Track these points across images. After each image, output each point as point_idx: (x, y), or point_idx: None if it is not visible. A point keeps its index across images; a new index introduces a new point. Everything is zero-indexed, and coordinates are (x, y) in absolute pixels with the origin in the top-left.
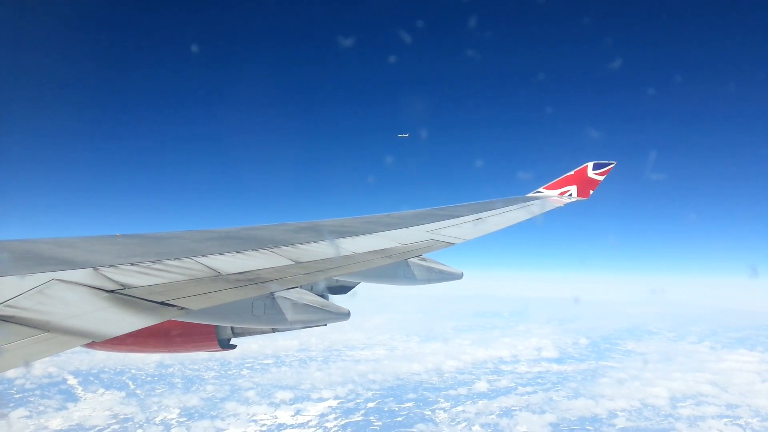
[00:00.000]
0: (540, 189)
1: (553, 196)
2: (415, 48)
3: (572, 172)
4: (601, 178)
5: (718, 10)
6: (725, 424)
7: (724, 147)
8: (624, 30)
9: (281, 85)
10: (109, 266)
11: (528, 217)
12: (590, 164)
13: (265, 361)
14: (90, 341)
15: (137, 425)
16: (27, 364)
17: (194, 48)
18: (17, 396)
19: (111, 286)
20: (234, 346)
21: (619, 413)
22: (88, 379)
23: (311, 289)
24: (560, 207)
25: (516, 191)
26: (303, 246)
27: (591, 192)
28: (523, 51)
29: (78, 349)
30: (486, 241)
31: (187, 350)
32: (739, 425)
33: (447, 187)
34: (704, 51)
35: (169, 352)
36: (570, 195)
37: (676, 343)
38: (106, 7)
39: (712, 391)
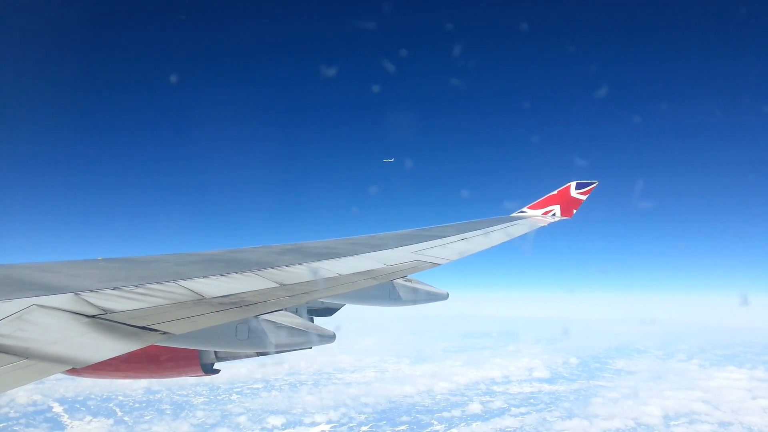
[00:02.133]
0: (524, 209)
1: (537, 216)
2: (400, 72)
3: (555, 192)
4: (584, 197)
5: (708, 36)
6: None
7: (708, 165)
8: (609, 53)
9: (265, 107)
10: (91, 291)
11: (512, 236)
12: (573, 184)
13: (255, 386)
14: (70, 368)
15: None
16: (6, 391)
17: (175, 75)
18: (1, 425)
19: (92, 311)
20: (217, 371)
21: None
22: (75, 406)
23: (296, 312)
24: (544, 226)
25: (500, 211)
26: (288, 268)
27: (574, 211)
28: (509, 71)
29: (62, 376)
30: (471, 261)
31: (169, 376)
32: None
33: (432, 209)
34: (687, 73)
35: (152, 377)
36: (554, 214)
37: (665, 361)
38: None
39: (704, 409)
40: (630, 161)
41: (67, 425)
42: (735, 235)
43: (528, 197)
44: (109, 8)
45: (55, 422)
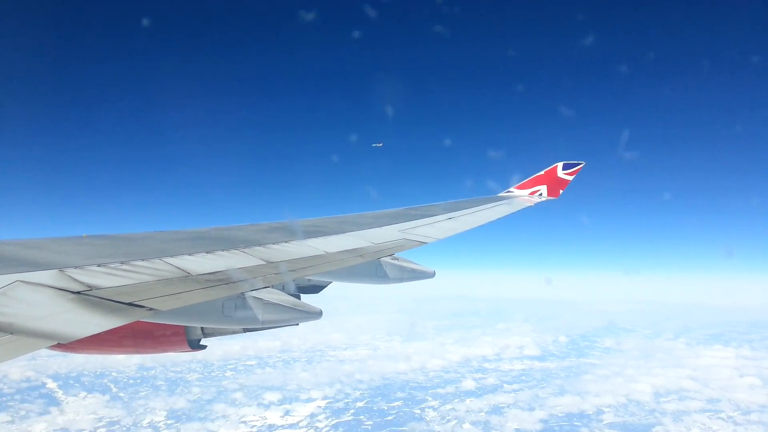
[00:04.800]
0: (511, 189)
1: (524, 196)
2: (389, 46)
3: (542, 173)
4: (570, 178)
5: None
6: (708, 418)
7: (695, 145)
8: (602, 29)
9: (249, 80)
10: (76, 267)
11: (499, 216)
12: (560, 164)
13: (248, 363)
14: (56, 343)
15: (125, 428)
16: None
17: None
18: None
19: (77, 288)
20: (204, 347)
21: (605, 409)
22: (68, 382)
23: (283, 289)
24: (531, 206)
25: (487, 191)
26: (275, 246)
27: (561, 192)
28: (498, 45)
29: (54, 352)
30: (458, 240)
31: (156, 351)
32: (721, 419)
33: (420, 188)
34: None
35: (139, 353)
36: (540, 195)
37: (652, 339)
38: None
39: (693, 387)
40: (617, 139)
41: (62, 401)
42: (720, 216)
43: (515, 177)
44: (108, 13)
45: (50, 398)
